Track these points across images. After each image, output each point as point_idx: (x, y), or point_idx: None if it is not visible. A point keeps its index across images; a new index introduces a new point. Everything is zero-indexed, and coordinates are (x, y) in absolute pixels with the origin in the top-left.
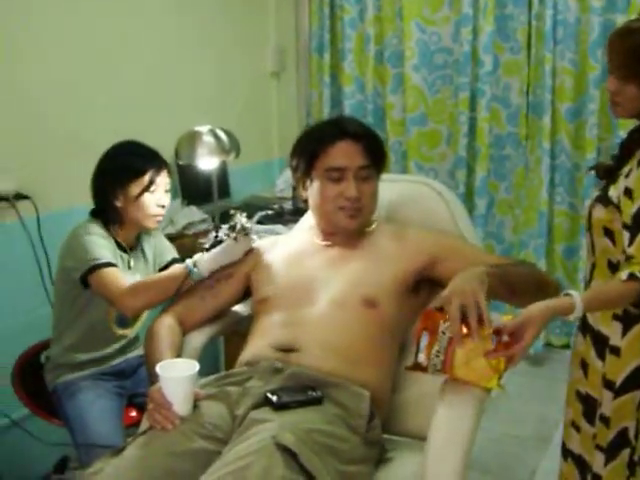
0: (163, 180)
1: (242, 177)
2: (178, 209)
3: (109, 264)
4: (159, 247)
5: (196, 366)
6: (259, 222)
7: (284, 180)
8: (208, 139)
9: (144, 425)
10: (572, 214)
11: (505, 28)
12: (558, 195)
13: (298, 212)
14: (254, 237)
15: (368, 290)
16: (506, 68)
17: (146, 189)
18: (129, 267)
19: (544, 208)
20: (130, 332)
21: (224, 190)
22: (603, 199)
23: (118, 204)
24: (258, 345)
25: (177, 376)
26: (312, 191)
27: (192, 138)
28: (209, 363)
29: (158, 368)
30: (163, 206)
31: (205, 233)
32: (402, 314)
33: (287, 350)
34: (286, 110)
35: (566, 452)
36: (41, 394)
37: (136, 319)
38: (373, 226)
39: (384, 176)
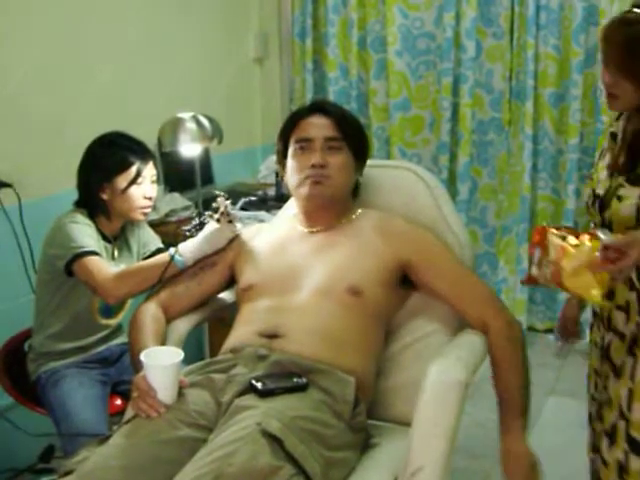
0: (149, 172)
1: (225, 164)
2: (161, 196)
3: (93, 252)
4: (143, 237)
5: (180, 354)
6: (242, 209)
7: (267, 166)
8: (191, 126)
9: (129, 413)
10: (555, 199)
11: (488, 13)
12: (541, 180)
13: (281, 198)
14: (238, 225)
15: (352, 278)
16: (489, 53)
17: (133, 182)
18: (113, 258)
19: (527, 193)
20: (114, 322)
21: (207, 177)
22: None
23: (105, 197)
24: (243, 332)
25: (161, 364)
26: (288, 169)
27: (175, 125)
28: (193, 350)
29: (142, 356)
30: (150, 198)
31: (188, 220)
32: (387, 302)
33: (272, 336)
34: (269, 96)
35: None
36: (25, 383)
37: (120, 309)
38: (359, 211)
39: (368, 161)
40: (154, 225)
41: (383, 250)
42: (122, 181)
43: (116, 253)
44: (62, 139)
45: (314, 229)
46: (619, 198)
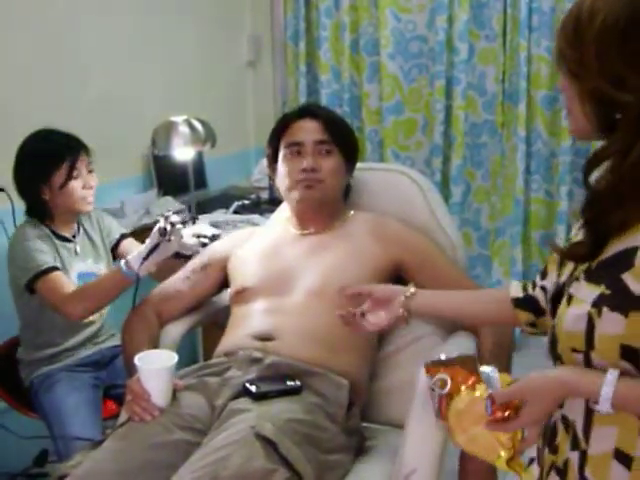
0: (84, 162)
1: (218, 167)
2: (154, 199)
3: (50, 269)
4: (105, 227)
5: (174, 357)
6: (236, 212)
7: (260, 170)
8: (184, 129)
9: (123, 417)
10: (548, 201)
11: (480, 16)
12: (534, 182)
13: (275, 202)
14: (180, 226)
15: (346, 280)
16: (481, 56)
17: (69, 177)
18: (76, 254)
19: (520, 195)
20: (97, 317)
21: (200, 180)
22: (613, 300)
23: (45, 197)
24: (236, 335)
25: (156, 367)
26: (278, 173)
27: (168, 128)
28: (187, 354)
29: (136, 359)
30: (91, 187)
31: (181, 224)
32: None
33: (265, 339)
34: (262, 100)
35: None
36: (18, 388)
37: None
38: (352, 213)
39: (360, 165)
40: (148, 229)
41: (376, 252)
42: (57, 178)
43: (78, 249)
44: None
45: (306, 231)
46: (569, 299)
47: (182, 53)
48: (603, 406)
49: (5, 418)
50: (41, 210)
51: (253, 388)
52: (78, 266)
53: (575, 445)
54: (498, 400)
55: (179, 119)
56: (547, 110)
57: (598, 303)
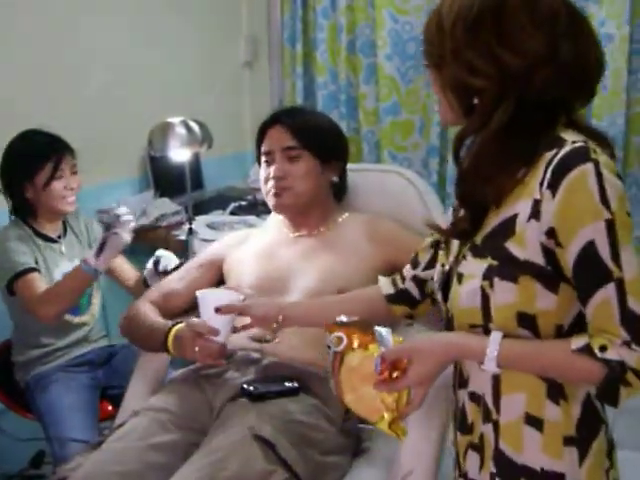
0: (68, 163)
1: (215, 168)
2: (151, 201)
3: (27, 270)
4: (92, 233)
5: (240, 295)
6: (232, 213)
7: (257, 171)
8: (180, 130)
9: (121, 417)
10: None
11: None
12: None
13: None
14: (131, 217)
15: (341, 281)
16: None
17: (52, 177)
18: (62, 254)
19: None
20: (88, 318)
21: (197, 181)
22: (502, 270)
23: (29, 196)
24: (234, 336)
25: (225, 296)
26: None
27: (164, 130)
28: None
29: (199, 293)
30: (72, 189)
31: (178, 225)
32: None
33: (263, 340)
34: (259, 101)
35: None
36: (15, 389)
37: (88, 305)
38: (346, 214)
39: (357, 166)
40: (144, 230)
41: (371, 252)
42: (41, 177)
43: (64, 249)
44: None
45: (300, 233)
46: (459, 278)
47: (179, 54)
48: (489, 365)
49: (2, 420)
50: (25, 209)
51: (251, 389)
52: (64, 265)
53: (487, 417)
54: (386, 357)
55: (176, 120)
56: None
57: (488, 275)
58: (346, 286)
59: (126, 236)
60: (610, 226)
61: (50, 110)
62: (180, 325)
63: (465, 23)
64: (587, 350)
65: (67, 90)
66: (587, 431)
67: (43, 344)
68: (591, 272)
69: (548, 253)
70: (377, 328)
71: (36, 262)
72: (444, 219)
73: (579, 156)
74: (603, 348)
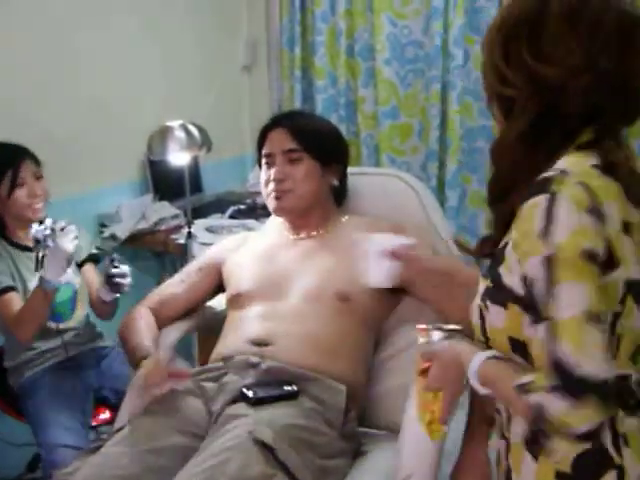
0: (29, 170)
1: (214, 172)
2: (150, 204)
3: (4, 290)
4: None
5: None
6: (231, 217)
7: (256, 175)
8: (179, 134)
9: (120, 421)
10: None
11: (475, 21)
12: None
13: None
14: (72, 226)
15: (341, 284)
16: (477, 61)
17: (13, 185)
18: (37, 261)
19: None
20: (72, 324)
21: (196, 185)
22: (494, 293)
23: None
24: (233, 340)
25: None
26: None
27: (163, 133)
28: (183, 359)
29: (363, 237)
30: (36, 195)
31: (177, 229)
32: (376, 307)
33: (262, 344)
34: (258, 105)
35: None
36: (10, 394)
37: (71, 311)
38: (346, 217)
39: (356, 169)
40: (143, 234)
41: None
42: (3, 188)
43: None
44: (51, 148)
45: (300, 236)
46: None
47: (178, 58)
48: (472, 382)
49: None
50: None
51: (250, 393)
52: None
53: (502, 433)
54: (420, 358)
55: (175, 124)
56: None
57: (483, 296)
58: (345, 289)
59: (66, 245)
60: (549, 262)
61: (48, 114)
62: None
63: (500, 33)
64: (522, 388)
65: (66, 94)
66: (586, 472)
67: (31, 347)
68: (531, 308)
69: (524, 283)
70: (433, 332)
71: (13, 278)
72: (443, 223)
73: (539, 186)
74: (537, 388)
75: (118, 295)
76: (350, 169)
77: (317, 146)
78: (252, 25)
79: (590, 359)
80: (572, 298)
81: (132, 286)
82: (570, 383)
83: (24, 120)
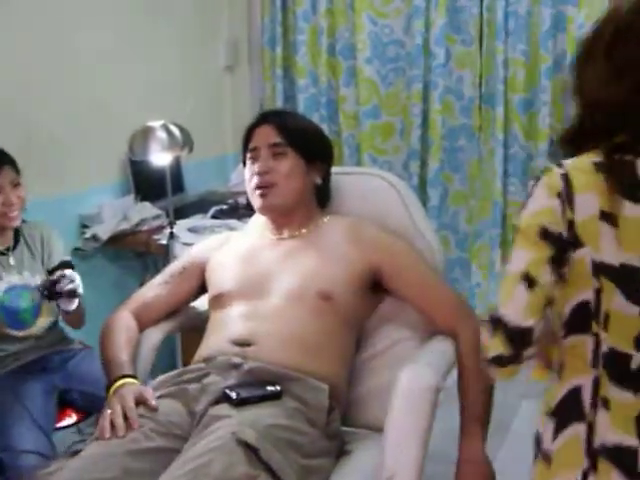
0: (7, 177)
1: (196, 172)
2: (131, 205)
3: None
4: (48, 247)
5: None
6: (214, 217)
7: (238, 174)
8: (161, 134)
9: (100, 426)
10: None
11: (457, 20)
12: (512, 185)
13: (252, 207)
14: (72, 285)
15: (323, 283)
16: (458, 60)
17: None
18: (10, 266)
19: (498, 198)
20: (36, 330)
21: (178, 185)
22: None
23: None
24: (215, 340)
25: None
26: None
27: (145, 134)
28: (166, 360)
29: None
30: (12, 203)
31: (159, 229)
32: (358, 307)
33: (244, 345)
34: (240, 104)
35: None
36: None
37: (34, 318)
38: (325, 219)
39: (337, 169)
40: (125, 234)
41: (353, 255)
42: None
43: (12, 262)
44: (32, 148)
45: (282, 236)
46: None
47: (159, 58)
48: None
49: None
50: None
51: (233, 394)
52: (10, 279)
53: None
54: None
55: (156, 124)
56: (523, 113)
57: None
58: (327, 288)
59: (68, 306)
60: (515, 230)
61: (29, 115)
62: (133, 382)
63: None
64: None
65: (47, 95)
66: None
67: None
68: None
69: None
70: None
71: None
72: (425, 222)
73: (541, 171)
74: None
75: (76, 301)
76: (332, 169)
77: (302, 142)
78: (233, 25)
79: (510, 307)
80: (517, 260)
81: (114, 286)
82: (491, 319)
83: (4, 121)
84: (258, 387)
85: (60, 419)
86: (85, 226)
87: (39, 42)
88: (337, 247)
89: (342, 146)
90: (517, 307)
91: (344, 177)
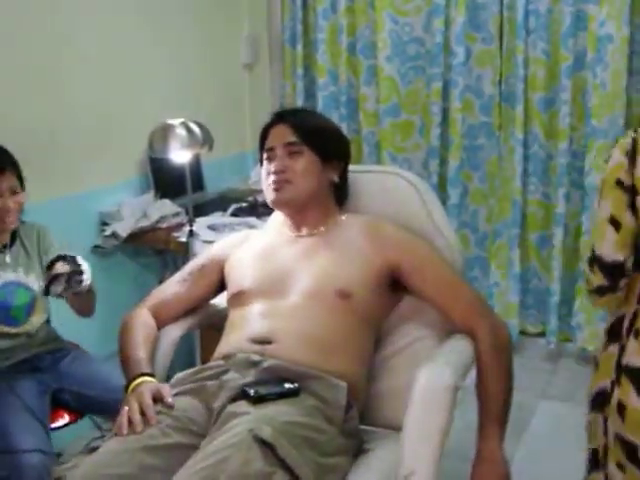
0: (6, 183)
1: (216, 170)
2: (151, 202)
3: None
4: (45, 244)
5: None
6: (233, 214)
7: (258, 172)
8: (181, 132)
9: (118, 424)
10: (545, 203)
11: (477, 18)
12: (531, 184)
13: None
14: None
15: (341, 281)
16: (478, 58)
17: None
18: (5, 264)
19: (518, 197)
20: (29, 327)
21: (198, 183)
22: None
23: None
24: (234, 338)
25: None
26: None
27: (165, 131)
28: (185, 357)
29: None
30: (8, 210)
31: (178, 226)
32: (377, 305)
33: (263, 342)
34: (259, 102)
35: None
36: None
37: (27, 316)
38: (344, 217)
39: (357, 167)
40: (144, 232)
41: (371, 254)
42: None
43: (8, 260)
44: (52, 146)
45: (301, 234)
46: None
47: (179, 56)
48: None
49: None
50: None
51: (251, 391)
52: (7, 276)
53: None
54: None
55: (176, 122)
56: (544, 112)
57: None
58: (346, 287)
59: (77, 288)
60: (601, 183)
61: (50, 112)
62: (151, 381)
63: None
64: None
65: (66, 95)
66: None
67: None
68: None
69: None
70: None
71: None
72: (444, 221)
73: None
74: None
75: (83, 279)
76: (351, 167)
77: (317, 140)
78: (253, 22)
79: (604, 246)
80: (604, 207)
81: (133, 284)
82: (590, 259)
83: (26, 119)
84: (276, 384)
85: (53, 420)
86: (105, 223)
87: (60, 41)
88: (355, 245)
89: (362, 144)
90: (609, 245)
91: (363, 175)
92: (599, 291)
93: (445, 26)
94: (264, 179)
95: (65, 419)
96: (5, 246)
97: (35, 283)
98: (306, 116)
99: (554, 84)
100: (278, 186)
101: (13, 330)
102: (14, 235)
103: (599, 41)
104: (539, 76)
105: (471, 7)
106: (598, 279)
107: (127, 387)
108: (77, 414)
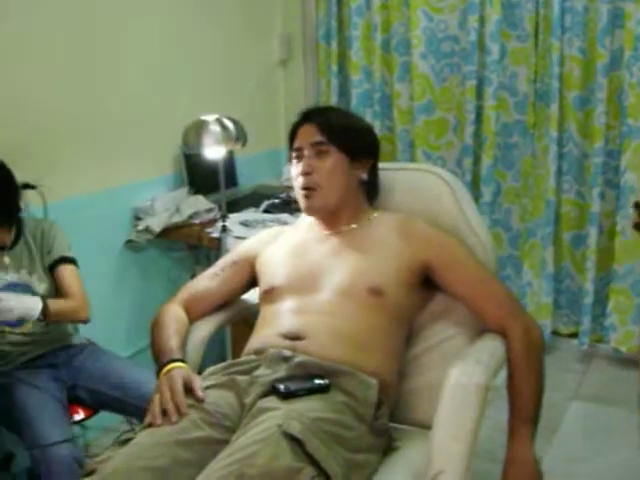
0: None
1: (249, 166)
2: (185, 198)
3: None
4: (48, 242)
5: None
6: (266, 211)
7: (290, 169)
8: (215, 128)
9: (150, 417)
10: (580, 202)
11: (512, 16)
12: (566, 183)
13: None
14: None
15: (373, 278)
16: (513, 56)
17: None
18: (5, 264)
19: (551, 196)
20: (33, 327)
21: (231, 179)
22: None
23: None
24: (266, 333)
25: None
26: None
27: (199, 127)
28: (216, 352)
29: None
30: None
31: (211, 222)
32: (409, 303)
33: (294, 338)
34: (293, 99)
35: None
36: None
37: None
38: (375, 214)
39: (390, 164)
40: (177, 227)
41: (403, 251)
42: None
43: (7, 261)
44: (87, 141)
45: (332, 231)
46: None
47: (213, 52)
48: None
49: None
50: None
51: (281, 387)
52: (9, 276)
53: None
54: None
55: (210, 118)
56: (579, 111)
57: None
58: (377, 284)
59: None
60: None
61: (85, 111)
62: (182, 366)
63: None
64: None
65: (101, 90)
66: None
67: None
68: None
69: None
70: None
71: None
72: (477, 219)
73: None
74: None
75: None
76: (384, 164)
77: (344, 139)
78: (287, 19)
79: None
80: None
81: (165, 278)
82: (636, 202)
83: (63, 115)
84: (306, 380)
85: (71, 415)
86: (138, 218)
87: (96, 40)
88: (387, 242)
89: (396, 142)
90: None
91: (396, 173)
92: (637, 227)
93: (480, 24)
94: (294, 180)
95: (80, 415)
96: (4, 247)
97: (38, 284)
98: (333, 115)
99: (590, 82)
100: (308, 193)
101: (17, 330)
102: (18, 234)
103: (636, 39)
104: (575, 74)
105: (506, 5)
106: (636, 216)
107: (159, 373)
108: (92, 410)
